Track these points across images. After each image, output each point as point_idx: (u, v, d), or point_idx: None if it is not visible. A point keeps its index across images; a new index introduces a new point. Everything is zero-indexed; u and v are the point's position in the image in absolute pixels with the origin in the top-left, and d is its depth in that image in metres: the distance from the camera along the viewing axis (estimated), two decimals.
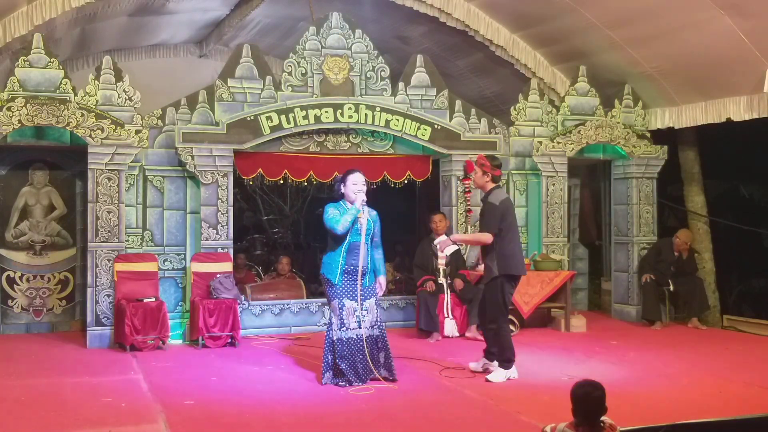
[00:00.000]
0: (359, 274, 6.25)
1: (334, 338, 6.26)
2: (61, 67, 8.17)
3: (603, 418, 3.76)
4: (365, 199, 6.34)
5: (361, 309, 6.28)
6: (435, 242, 7.10)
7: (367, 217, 6.34)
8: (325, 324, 8.80)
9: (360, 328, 6.27)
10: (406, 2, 9.58)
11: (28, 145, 8.45)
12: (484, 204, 6.64)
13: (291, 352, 7.73)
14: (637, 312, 9.80)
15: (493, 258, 6.53)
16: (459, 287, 8.64)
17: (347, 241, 6.26)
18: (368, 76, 9.14)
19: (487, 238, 6.49)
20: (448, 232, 9.00)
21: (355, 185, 6.34)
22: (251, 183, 9.85)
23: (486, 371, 6.74)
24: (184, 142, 8.39)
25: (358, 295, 6.26)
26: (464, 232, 9.34)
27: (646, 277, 9.49)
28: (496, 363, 6.69)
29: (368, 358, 6.25)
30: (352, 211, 6.25)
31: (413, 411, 5.57)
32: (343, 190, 6.38)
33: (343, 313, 6.25)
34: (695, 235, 9.99)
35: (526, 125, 9.80)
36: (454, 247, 6.98)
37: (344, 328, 6.24)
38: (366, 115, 8.95)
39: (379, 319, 6.42)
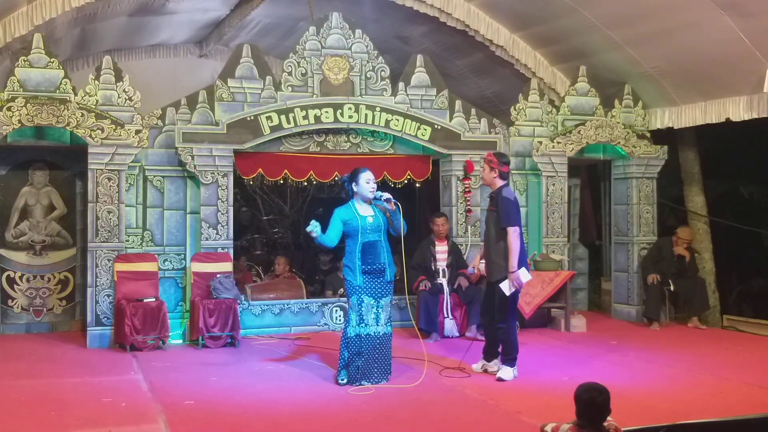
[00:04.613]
0: (378, 272, 6.31)
1: (352, 334, 6.25)
2: (61, 67, 8.16)
3: (608, 418, 3.80)
4: (390, 197, 6.36)
5: (377, 307, 6.30)
6: (508, 292, 6.46)
7: (373, 213, 6.37)
8: (325, 324, 8.91)
9: (377, 325, 6.30)
10: (406, 2, 9.58)
11: (28, 145, 8.44)
12: (499, 201, 6.51)
13: (291, 352, 7.73)
14: (637, 312, 9.79)
15: (504, 256, 6.47)
16: (465, 285, 8.63)
17: (359, 241, 6.28)
18: (368, 76, 9.14)
19: (516, 238, 6.42)
20: (449, 235, 9.00)
21: (369, 183, 6.37)
22: (251, 183, 9.85)
23: (485, 372, 6.74)
24: (184, 142, 8.39)
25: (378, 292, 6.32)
26: (464, 233, 9.36)
27: (652, 278, 9.37)
28: (495, 362, 6.70)
29: (387, 355, 6.35)
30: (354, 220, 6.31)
31: (413, 411, 5.57)
32: (355, 189, 6.38)
33: (363, 309, 6.26)
34: (695, 235, 9.99)
35: (526, 125, 9.79)
36: (529, 277, 6.58)
37: (363, 324, 6.25)
38: (366, 115, 8.94)
39: (390, 317, 6.44)
